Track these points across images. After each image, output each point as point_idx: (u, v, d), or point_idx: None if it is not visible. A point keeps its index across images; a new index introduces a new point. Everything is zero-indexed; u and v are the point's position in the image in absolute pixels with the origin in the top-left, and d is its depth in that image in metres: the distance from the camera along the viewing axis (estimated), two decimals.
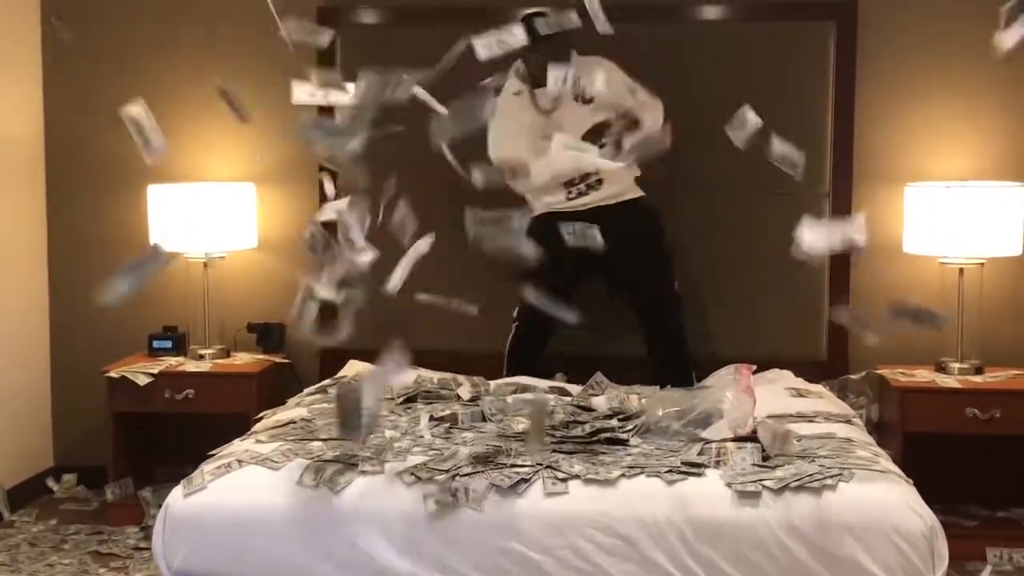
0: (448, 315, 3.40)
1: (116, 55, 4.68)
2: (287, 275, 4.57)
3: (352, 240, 2.97)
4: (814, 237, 2.91)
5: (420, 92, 3.07)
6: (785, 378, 4.03)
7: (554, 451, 3.09)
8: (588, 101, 4.01)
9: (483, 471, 2.92)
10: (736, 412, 3.22)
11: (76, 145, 4.71)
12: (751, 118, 3.12)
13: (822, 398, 3.81)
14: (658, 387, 3.77)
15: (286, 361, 4.56)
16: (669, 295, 4.17)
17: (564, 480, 2.91)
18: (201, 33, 4.64)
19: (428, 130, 2.99)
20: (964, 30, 4.26)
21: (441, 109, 3.07)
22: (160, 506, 3.01)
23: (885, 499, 2.83)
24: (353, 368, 4.10)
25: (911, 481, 2.99)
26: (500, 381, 3.97)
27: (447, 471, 2.93)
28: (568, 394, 3.77)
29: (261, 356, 4.52)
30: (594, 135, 3.91)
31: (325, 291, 2.94)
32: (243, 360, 4.49)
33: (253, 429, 3.47)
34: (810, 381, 4.02)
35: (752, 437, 3.16)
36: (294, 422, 3.42)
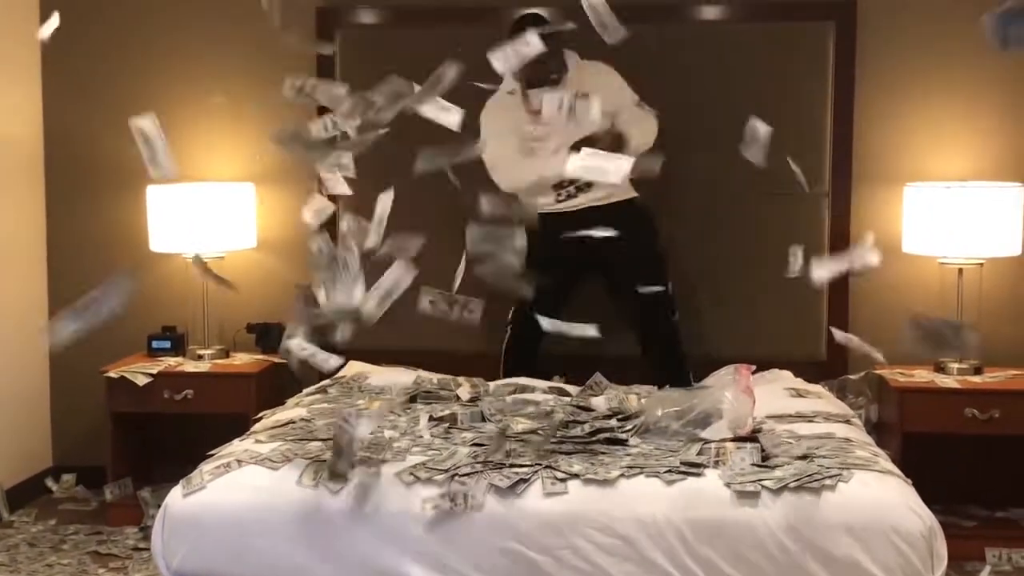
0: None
1: (116, 55, 4.68)
2: (286, 275, 4.60)
3: (348, 266, 2.95)
4: (823, 271, 2.92)
5: (428, 110, 3.02)
6: (784, 378, 4.03)
7: (553, 451, 3.09)
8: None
9: (482, 471, 2.92)
10: (735, 412, 3.22)
11: (75, 145, 4.71)
12: (760, 128, 3.02)
13: (821, 398, 3.81)
14: (656, 387, 3.77)
15: (285, 361, 4.54)
16: (661, 296, 4.16)
17: (563, 480, 2.90)
18: (201, 33, 4.64)
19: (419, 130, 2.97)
20: (963, 30, 4.25)
21: (447, 122, 3.05)
22: (159, 506, 3.01)
23: (884, 499, 2.83)
24: (353, 368, 4.10)
25: (910, 481, 2.99)
26: (499, 382, 3.97)
27: (446, 471, 2.93)
28: (567, 394, 3.78)
29: (260, 356, 4.51)
30: (584, 147, 3.89)
31: (301, 346, 2.95)
32: (242, 360, 4.49)
33: (252, 429, 3.47)
34: (809, 381, 4.02)
35: (751, 437, 3.17)
36: (293, 422, 3.42)
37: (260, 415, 3.65)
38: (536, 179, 3.94)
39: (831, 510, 2.80)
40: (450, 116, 3.04)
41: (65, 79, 4.72)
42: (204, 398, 4.29)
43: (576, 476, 2.92)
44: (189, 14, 4.65)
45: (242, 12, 4.46)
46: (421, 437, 3.25)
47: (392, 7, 4.57)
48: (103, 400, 4.33)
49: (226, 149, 4.64)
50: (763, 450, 3.05)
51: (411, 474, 2.93)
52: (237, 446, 3.22)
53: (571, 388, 3.86)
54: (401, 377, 3.99)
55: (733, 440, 3.14)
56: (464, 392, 3.76)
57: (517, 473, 2.91)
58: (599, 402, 3.59)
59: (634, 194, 4.12)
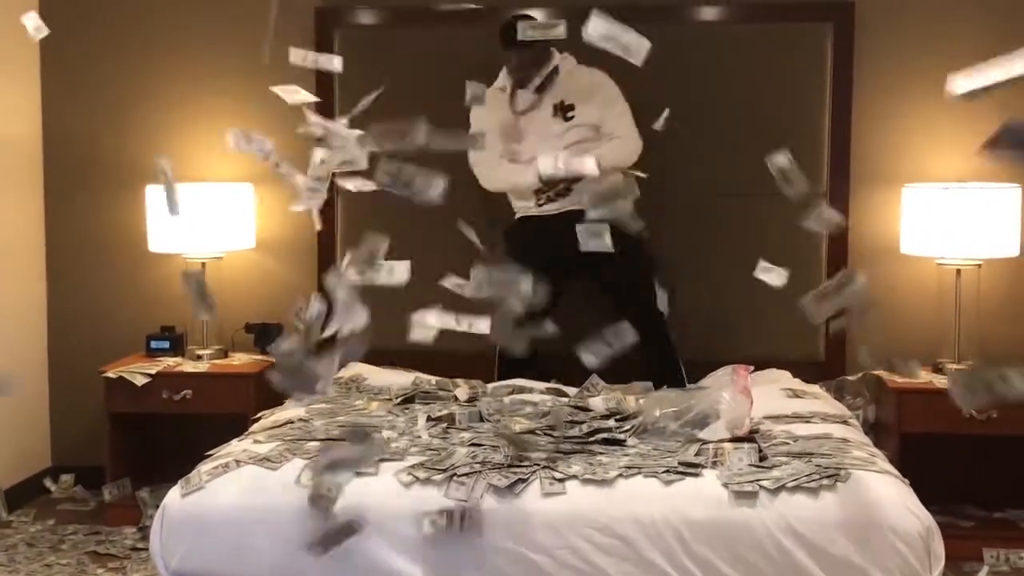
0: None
1: (115, 55, 4.68)
2: (285, 276, 4.60)
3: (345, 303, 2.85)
4: (820, 310, 2.93)
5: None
6: (782, 379, 4.04)
7: (555, 451, 3.09)
8: (567, 118, 4.03)
9: (481, 471, 2.93)
10: (733, 413, 3.22)
11: (74, 145, 4.71)
12: (782, 161, 2.99)
13: (819, 399, 3.82)
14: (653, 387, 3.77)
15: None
16: (645, 300, 4.15)
17: (562, 480, 2.91)
18: (201, 33, 4.64)
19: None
20: (962, 31, 4.27)
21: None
22: (158, 506, 3.01)
23: (882, 499, 2.84)
24: (352, 369, 4.10)
25: (908, 482, 3.00)
26: (497, 383, 3.97)
27: (445, 471, 2.93)
28: (565, 395, 3.78)
29: (259, 356, 4.51)
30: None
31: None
32: (241, 360, 4.49)
33: (251, 429, 3.47)
34: (807, 382, 4.03)
35: (749, 437, 3.17)
36: (292, 422, 3.42)
37: (259, 415, 3.65)
38: (515, 182, 3.99)
39: (829, 510, 2.81)
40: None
41: (64, 78, 4.72)
42: (203, 398, 4.29)
43: (574, 476, 2.92)
44: (189, 14, 4.65)
45: (242, 12, 4.48)
46: (419, 437, 3.26)
47: (391, 7, 4.57)
48: (102, 400, 4.32)
49: (225, 149, 4.62)
50: (760, 450, 3.05)
51: (409, 474, 2.94)
52: (236, 446, 3.22)
53: (569, 389, 3.86)
54: (399, 378, 3.99)
55: (731, 440, 3.15)
56: (462, 393, 3.77)
57: (515, 473, 2.91)
58: (597, 403, 3.60)
59: None
